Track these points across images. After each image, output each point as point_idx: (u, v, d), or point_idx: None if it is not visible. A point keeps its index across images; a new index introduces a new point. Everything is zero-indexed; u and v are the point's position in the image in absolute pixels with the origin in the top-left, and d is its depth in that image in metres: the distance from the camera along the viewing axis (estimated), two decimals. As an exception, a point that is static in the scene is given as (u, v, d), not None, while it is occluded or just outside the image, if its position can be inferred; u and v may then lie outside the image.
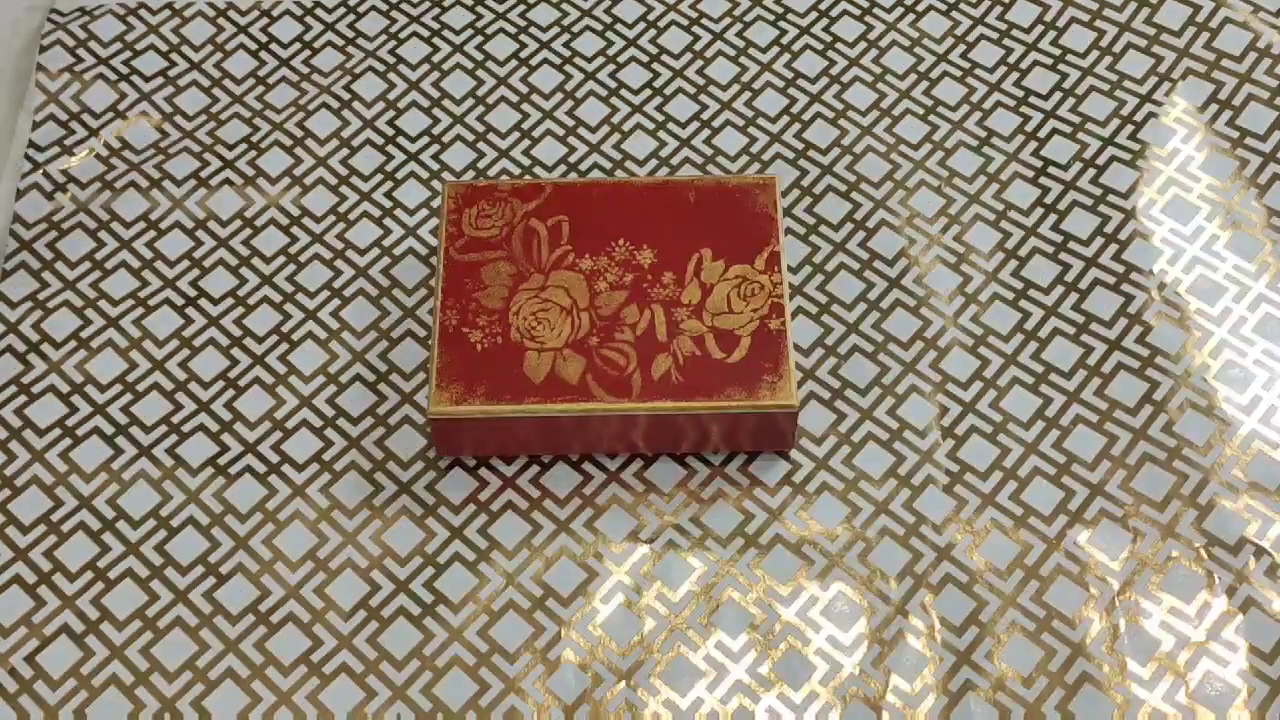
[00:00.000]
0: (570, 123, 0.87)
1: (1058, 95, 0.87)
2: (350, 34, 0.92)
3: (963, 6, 0.91)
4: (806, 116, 0.87)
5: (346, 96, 0.89)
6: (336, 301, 0.81)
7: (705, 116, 0.87)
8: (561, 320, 0.74)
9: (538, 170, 0.85)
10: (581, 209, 0.77)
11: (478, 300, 0.75)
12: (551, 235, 0.77)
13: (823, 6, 0.91)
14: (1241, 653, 0.69)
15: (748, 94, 0.88)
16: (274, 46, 0.91)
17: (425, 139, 0.87)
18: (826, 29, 0.90)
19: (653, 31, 0.91)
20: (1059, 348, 0.78)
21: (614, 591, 0.72)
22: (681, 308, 0.74)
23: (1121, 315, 0.79)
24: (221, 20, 0.92)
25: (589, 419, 0.72)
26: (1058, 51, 0.88)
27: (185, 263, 0.83)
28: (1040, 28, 0.90)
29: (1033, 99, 0.87)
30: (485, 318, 0.74)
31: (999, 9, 0.90)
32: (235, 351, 0.80)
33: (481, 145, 0.86)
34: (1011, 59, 0.88)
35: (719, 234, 0.77)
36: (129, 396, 0.78)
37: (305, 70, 0.90)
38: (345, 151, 0.87)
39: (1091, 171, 0.84)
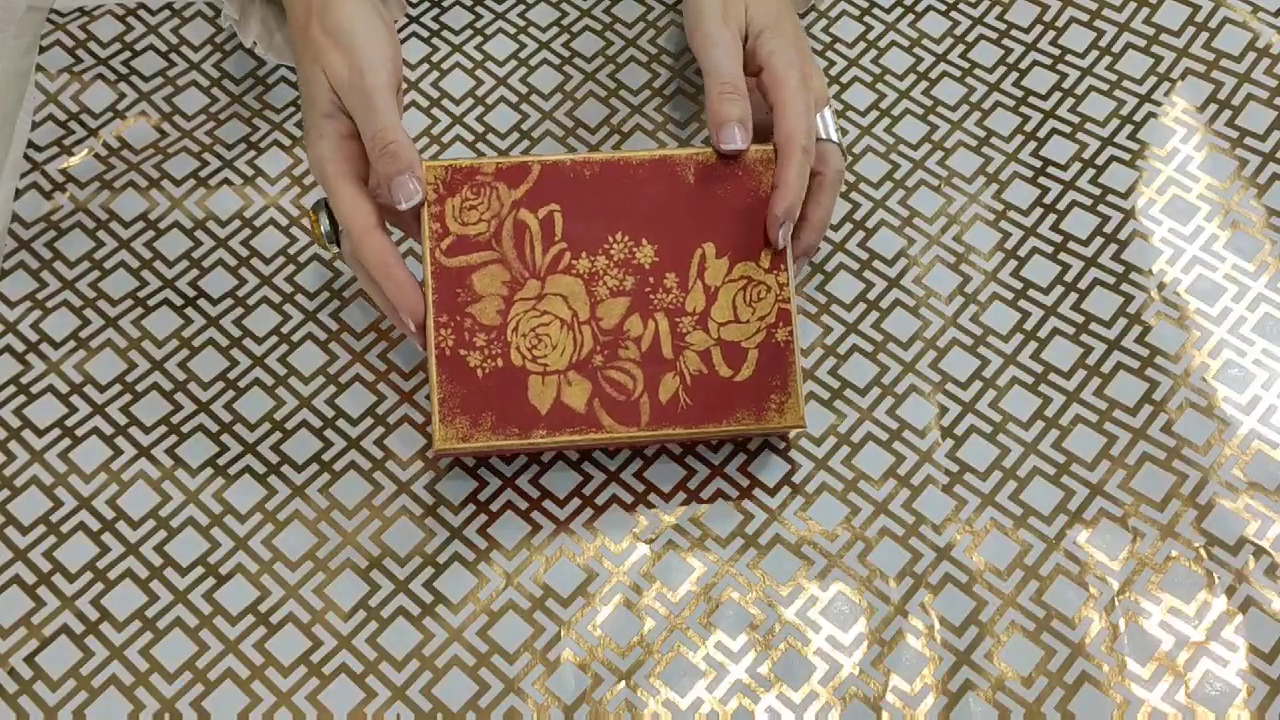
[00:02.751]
0: (570, 123, 0.87)
1: (1057, 95, 0.87)
2: (350, 34, 0.91)
3: (962, 6, 0.91)
4: (806, 116, 0.87)
5: (346, 96, 0.89)
6: (336, 302, 0.81)
7: (705, 117, 0.87)
8: (563, 337, 0.72)
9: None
10: (573, 194, 0.73)
11: (473, 316, 0.71)
12: (544, 230, 0.73)
13: (822, 7, 0.91)
14: (1241, 652, 0.69)
15: (747, 94, 0.88)
16: (273, 46, 0.91)
17: (425, 139, 0.87)
18: (826, 29, 0.90)
19: (652, 32, 0.91)
20: (1058, 348, 0.78)
21: (614, 591, 0.72)
22: (686, 316, 0.73)
23: (1121, 315, 0.79)
24: (221, 20, 0.92)
25: (596, 445, 0.72)
26: (1057, 51, 0.88)
27: (184, 263, 0.83)
28: (1039, 28, 0.90)
29: (1032, 99, 0.87)
30: (483, 336, 0.71)
31: (998, 9, 0.90)
32: (235, 352, 0.80)
33: (481, 145, 0.86)
34: (1011, 59, 0.88)
35: (721, 221, 0.73)
36: (128, 397, 0.78)
37: (305, 70, 0.90)
38: (345, 151, 0.86)
39: (1091, 171, 0.84)
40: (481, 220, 0.72)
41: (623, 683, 0.69)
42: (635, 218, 0.73)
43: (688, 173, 0.73)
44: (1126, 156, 0.84)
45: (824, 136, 0.75)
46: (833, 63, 0.89)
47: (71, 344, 0.80)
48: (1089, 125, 0.85)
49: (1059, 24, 0.90)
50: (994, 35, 0.89)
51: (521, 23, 0.92)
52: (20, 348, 0.80)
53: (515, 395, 0.71)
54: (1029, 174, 0.84)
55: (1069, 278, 0.80)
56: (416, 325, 0.71)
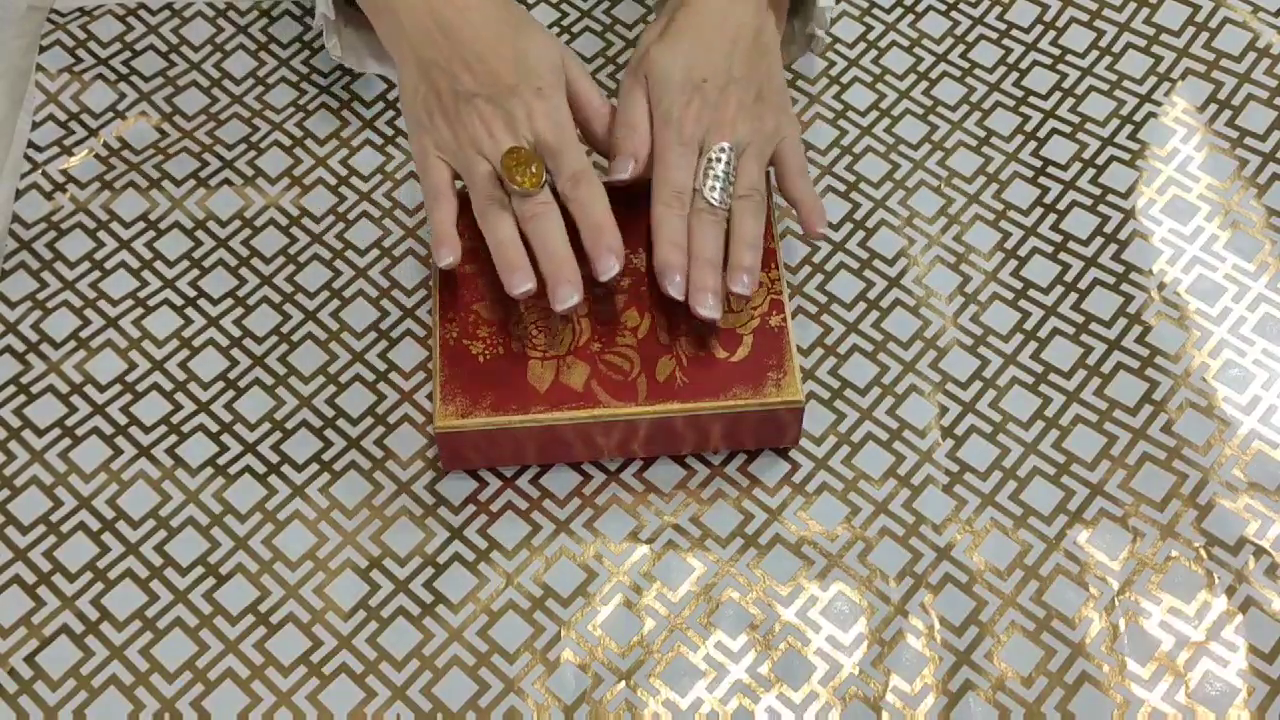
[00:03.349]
0: (570, 123, 0.87)
1: (1057, 95, 0.87)
2: (350, 34, 0.91)
3: (962, 6, 0.91)
4: (806, 117, 0.87)
5: (346, 97, 0.89)
6: (336, 302, 0.81)
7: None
8: (562, 327, 0.74)
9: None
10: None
11: (476, 312, 0.74)
12: None
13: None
14: (1241, 653, 0.69)
15: (747, 94, 0.88)
16: (274, 46, 0.91)
17: (425, 139, 0.87)
18: (826, 30, 0.90)
19: (652, 32, 0.91)
20: (1059, 348, 0.78)
21: (614, 591, 0.72)
22: (681, 308, 0.74)
23: (1121, 315, 0.79)
24: (221, 20, 0.92)
25: (594, 425, 0.72)
26: (1057, 51, 0.88)
27: (185, 263, 0.83)
28: (1040, 28, 0.90)
29: (1032, 99, 0.87)
30: (485, 329, 0.74)
31: (998, 9, 0.90)
32: (235, 352, 0.80)
33: (481, 145, 0.86)
34: (1011, 59, 0.88)
35: None
36: (129, 396, 0.78)
37: (305, 70, 0.90)
38: (345, 151, 0.86)
39: (1091, 171, 0.84)
40: None
41: (623, 683, 0.69)
42: (632, 230, 0.75)
43: None
44: (1126, 156, 0.84)
45: (696, 187, 0.73)
46: (833, 63, 0.89)
47: (72, 344, 0.80)
48: (1089, 125, 0.85)
49: (1059, 24, 0.90)
50: (994, 35, 0.89)
51: (521, 23, 0.91)
52: (20, 348, 0.80)
53: (515, 377, 0.72)
54: (1029, 174, 0.84)
55: (1069, 278, 0.80)
56: (616, 255, 0.71)
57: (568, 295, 0.70)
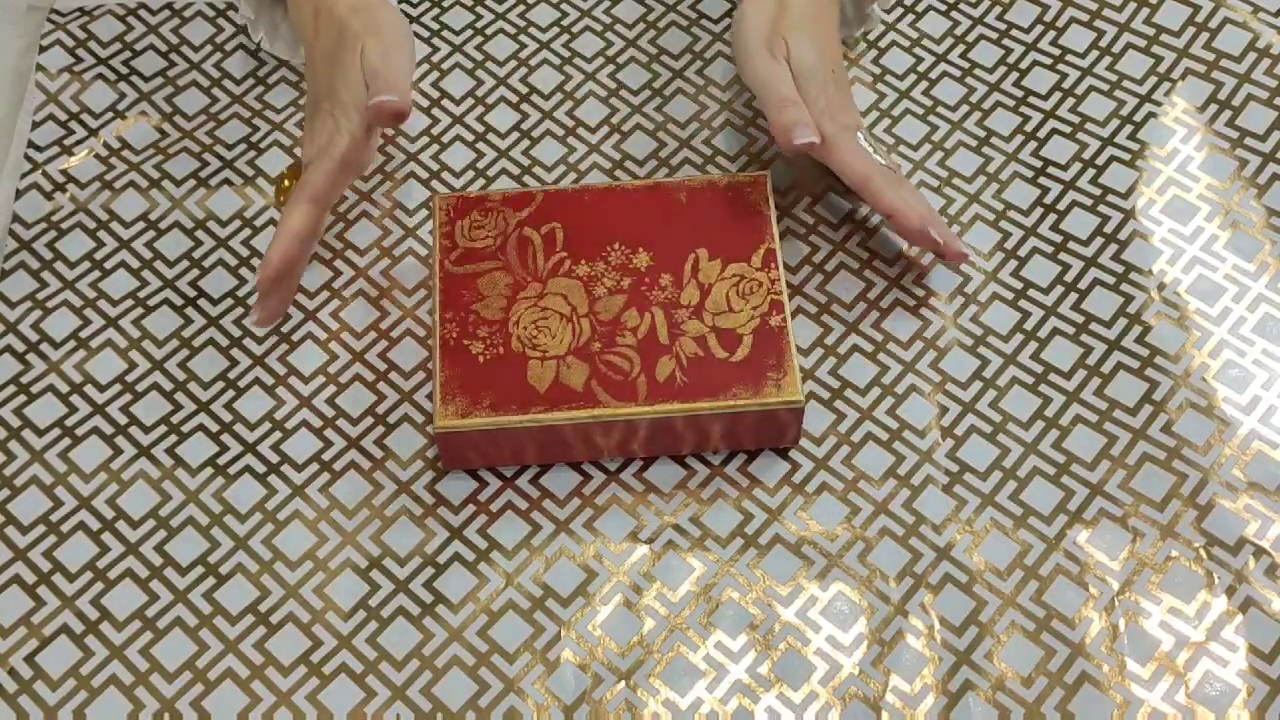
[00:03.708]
0: (570, 123, 0.87)
1: (1057, 95, 0.87)
2: (350, 34, 0.91)
3: (962, 6, 0.91)
4: (806, 116, 0.87)
5: (346, 96, 0.89)
6: (336, 302, 0.81)
7: (705, 117, 0.87)
8: (562, 327, 0.74)
9: (537, 170, 0.85)
10: (574, 215, 0.77)
11: (476, 312, 0.74)
12: (546, 243, 0.76)
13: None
14: (1241, 653, 0.69)
15: (747, 94, 0.88)
16: (273, 46, 0.91)
17: (424, 139, 0.87)
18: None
19: (652, 32, 0.91)
20: (1058, 348, 0.78)
21: (614, 591, 0.72)
22: (681, 309, 0.74)
23: (1121, 315, 0.79)
24: (221, 20, 0.92)
25: (594, 425, 0.72)
26: (1057, 51, 0.88)
27: (185, 263, 0.83)
28: (1040, 28, 0.90)
29: (1032, 99, 0.87)
30: (485, 329, 0.74)
31: (998, 9, 0.90)
32: (235, 352, 0.80)
33: (481, 145, 0.86)
34: (1011, 59, 0.88)
35: (713, 233, 0.76)
36: (128, 396, 0.78)
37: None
38: (345, 151, 0.86)
39: (1091, 171, 0.84)
40: (488, 236, 0.77)
41: (623, 683, 0.69)
42: (632, 231, 0.77)
43: (680, 195, 0.78)
44: (1126, 156, 0.84)
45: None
46: (833, 63, 0.89)
47: (72, 344, 0.80)
48: (1089, 125, 0.85)
49: (1059, 24, 0.90)
50: (994, 35, 0.89)
51: (521, 23, 0.92)
52: (20, 348, 0.80)
53: (515, 377, 0.72)
54: (1029, 174, 0.84)
55: (1069, 278, 0.80)
56: (268, 273, 0.74)
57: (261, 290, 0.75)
